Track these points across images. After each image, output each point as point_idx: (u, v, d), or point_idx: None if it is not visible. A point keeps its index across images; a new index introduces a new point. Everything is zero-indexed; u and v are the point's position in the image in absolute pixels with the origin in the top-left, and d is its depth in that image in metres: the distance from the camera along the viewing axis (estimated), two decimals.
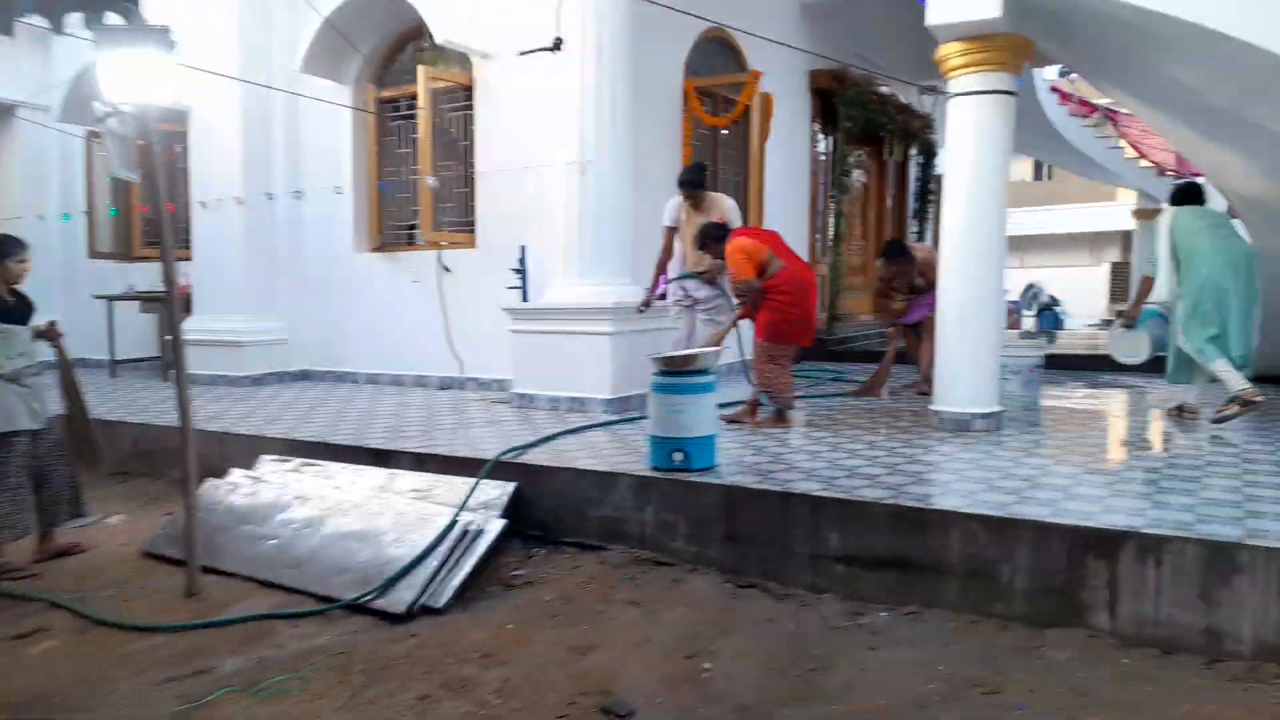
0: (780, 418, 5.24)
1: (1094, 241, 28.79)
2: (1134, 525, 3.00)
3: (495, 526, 4.14)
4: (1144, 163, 15.68)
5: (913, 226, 11.99)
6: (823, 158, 10.00)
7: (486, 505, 4.31)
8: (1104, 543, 2.98)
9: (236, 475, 5.01)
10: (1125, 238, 24.87)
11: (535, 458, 4.46)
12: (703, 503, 3.85)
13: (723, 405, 5.88)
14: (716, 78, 7.78)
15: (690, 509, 3.88)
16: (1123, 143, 15.50)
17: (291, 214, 8.11)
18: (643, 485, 4.00)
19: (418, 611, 3.77)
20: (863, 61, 8.73)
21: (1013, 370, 6.40)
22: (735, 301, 5.41)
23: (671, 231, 5.84)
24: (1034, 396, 6.32)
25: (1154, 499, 3.38)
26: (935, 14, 4.57)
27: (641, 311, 5.74)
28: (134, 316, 8.81)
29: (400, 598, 3.81)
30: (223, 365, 7.91)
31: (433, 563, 3.93)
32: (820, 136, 9.90)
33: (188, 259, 8.12)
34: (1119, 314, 6.23)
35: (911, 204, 11.93)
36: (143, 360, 8.94)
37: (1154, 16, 4.31)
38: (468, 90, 7.01)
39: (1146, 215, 16.80)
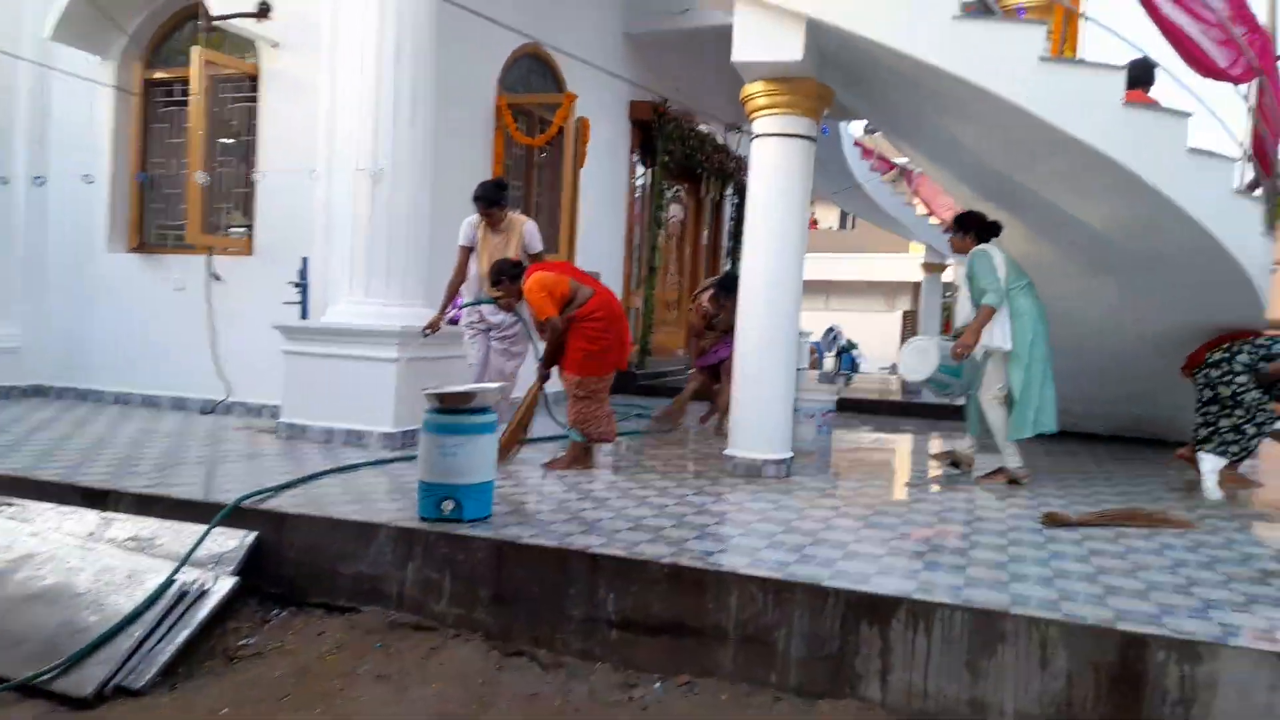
0: (581, 457, 4.94)
1: (889, 290, 31.02)
2: (905, 590, 2.90)
3: (224, 586, 3.54)
4: (933, 219, 16.91)
5: (725, 265, 12.21)
6: (640, 190, 9.94)
7: (218, 559, 3.69)
8: (876, 608, 2.86)
9: None
10: (916, 288, 26.85)
11: (285, 502, 3.90)
12: (471, 559, 3.45)
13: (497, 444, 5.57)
14: (532, 95, 7.49)
15: (457, 566, 3.47)
16: (915, 200, 16.64)
17: (34, 203, 6.99)
18: (405, 538, 3.55)
19: (111, 694, 3.12)
20: (681, 96, 8.74)
21: (807, 414, 6.47)
22: (536, 334, 5.11)
23: (467, 251, 5.41)
24: (825, 441, 6.40)
25: (927, 559, 3.33)
26: (740, 51, 4.51)
27: (426, 335, 5.26)
28: None
29: (88, 677, 3.14)
30: None
31: (136, 632, 3.28)
32: (639, 168, 9.84)
33: None
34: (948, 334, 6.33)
35: (726, 242, 12.16)
36: None
37: (933, 73, 4.45)
38: (253, 80, 6.31)
39: (934, 269, 18.12)
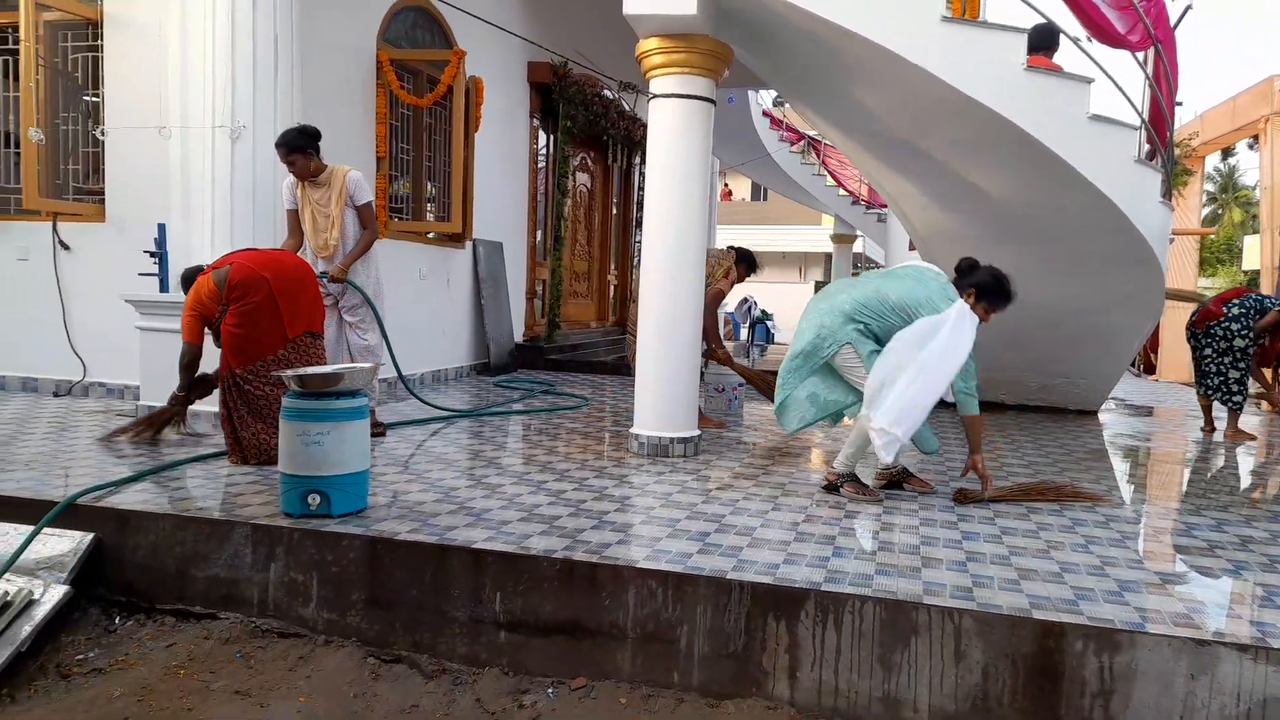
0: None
1: (802, 260, 31.43)
2: (814, 581, 2.71)
3: (54, 595, 3.09)
4: (841, 191, 17.03)
5: (637, 235, 11.94)
6: (543, 157, 9.53)
7: (50, 564, 3.23)
8: (783, 601, 2.66)
9: None
10: (828, 259, 27.27)
11: (131, 499, 3.44)
12: (341, 558, 3.09)
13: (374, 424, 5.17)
14: (417, 51, 6.99)
15: (325, 566, 3.11)
16: (824, 171, 16.71)
17: None
18: (266, 536, 3.16)
19: None
20: (580, 57, 8.35)
21: (717, 388, 6.29)
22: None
23: (293, 215, 4.82)
24: (736, 416, 6.23)
25: (836, 545, 3.15)
26: (632, 2, 4.19)
27: None
28: None
29: None
30: None
31: None
32: (541, 134, 9.42)
33: None
34: None
35: (636, 212, 11.87)
36: None
37: (835, 31, 4.25)
38: (96, 26, 5.63)
39: (844, 240, 18.30)
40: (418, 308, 7.09)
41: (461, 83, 6.84)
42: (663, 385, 4.62)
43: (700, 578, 2.74)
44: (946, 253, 5.36)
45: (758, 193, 31.15)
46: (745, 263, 5.74)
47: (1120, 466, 5.24)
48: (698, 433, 4.79)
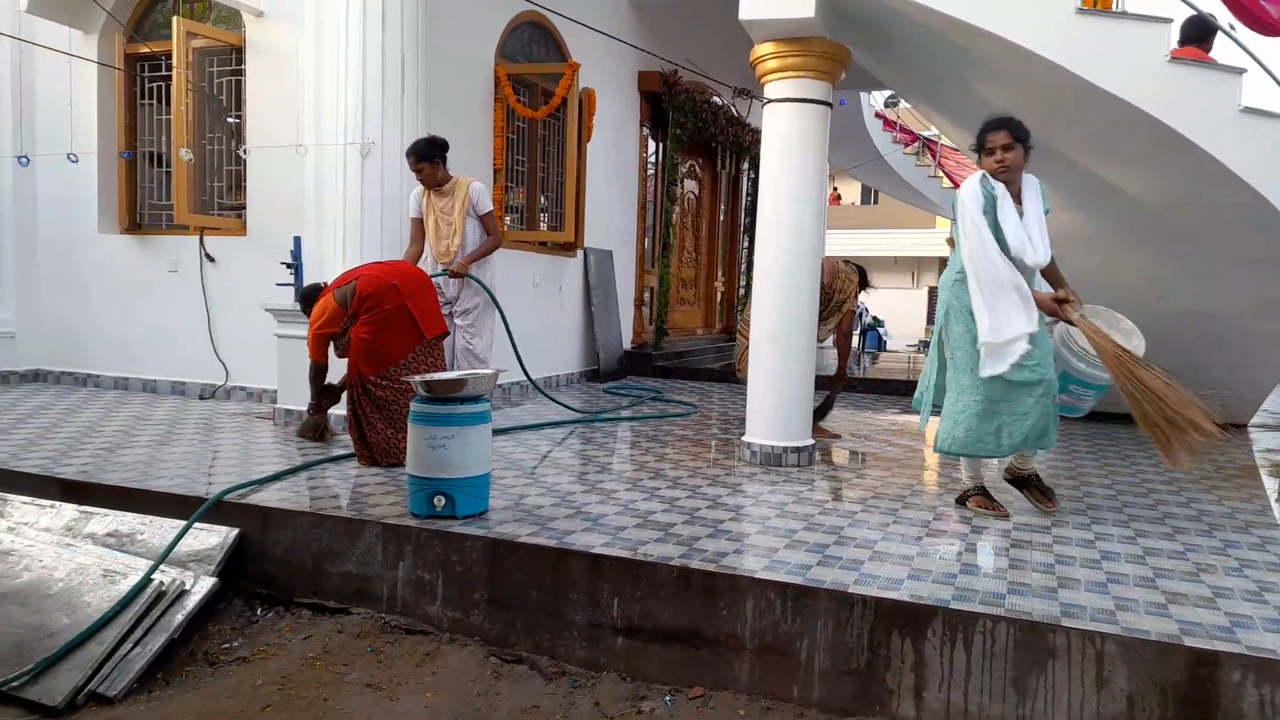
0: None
1: (915, 265, 30.48)
2: (941, 598, 2.61)
3: (204, 586, 3.31)
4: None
5: (744, 242, 11.86)
6: (652, 165, 9.60)
7: (199, 558, 3.46)
8: (909, 618, 2.57)
9: None
10: (942, 263, 26.36)
11: (271, 496, 3.65)
12: (465, 559, 3.19)
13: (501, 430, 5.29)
14: (533, 65, 7.16)
15: (450, 566, 3.21)
16: (939, 172, 16.17)
17: (22, 184, 6.76)
18: (395, 536, 3.29)
19: (83, 702, 2.92)
20: (692, 65, 8.37)
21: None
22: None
23: (417, 224, 5.06)
24: (851, 424, 6.10)
25: (964, 561, 3.03)
26: (748, 9, 4.17)
27: None
28: None
29: (58, 684, 2.93)
30: None
31: (110, 636, 3.06)
32: (651, 142, 9.49)
33: None
34: None
35: (744, 219, 11.80)
36: None
37: (961, 29, 4.11)
38: (239, 52, 6.02)
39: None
40: (531, 315, 7.25)
41: (575, 94, 6.97)
42: (776, 394, 4.56)
43: (821, 590, 2.69)
44: (1075, 255, 5.08)
45: (867, 196, 30.43)
46: (859, 277, 5.64)
47: (1272, 485, 4.85)
48: (812, 442, 4.71)
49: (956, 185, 16.35)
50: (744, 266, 11.89)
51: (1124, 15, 4.41)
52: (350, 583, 3.36)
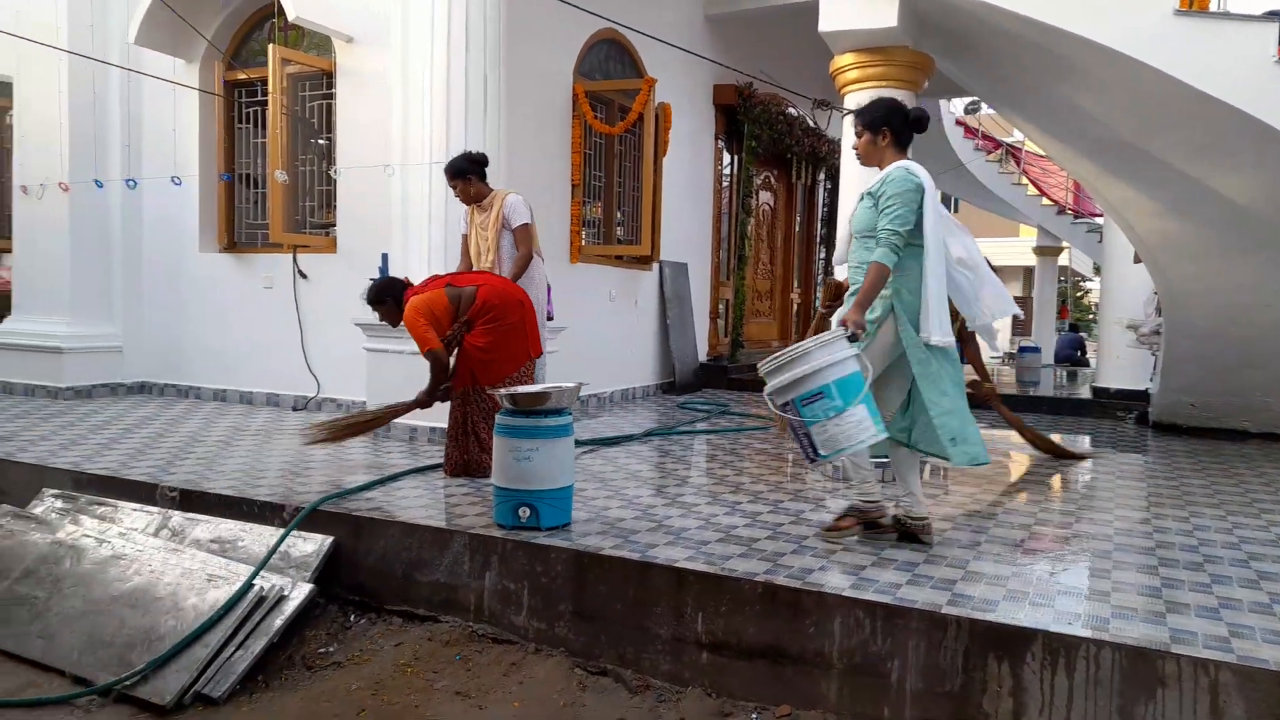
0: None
1: (1000, 276, 29.56)
2: (1040, 621, 2.52)
3: (301, 592, 3.42)
4: (1045, 201, 15.93)
5: (820, 253, 11.74)
6: (727, 177, 9.59)
7: (297, 564, 3.59)
8: (1006, 641, 2.49)
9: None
10: (1028, 273, 25.58)
11: (363, 505, 3.76)
12: (550, 570, 3.23)
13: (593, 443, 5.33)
14: (610, 82, 7.24)
15: (536, 577, 3.25)
16: (1024, 180, 15.71)
17: (130, 205, 7.16)
18: (482, 546, 3.36)
19: (190, 702, 3.06)
20: (766, 77, 8.34)
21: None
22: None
23: (466, 240, 5.01)
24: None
25: (1061, 584, 2.92)
26: (828, 19, 4.15)
27: None
28: None
29: (167, 685, 3.07)
30: (42, 374, 6.93)
31: (215, 638, 3.20)
32: (726, 155, 9.49)
33: (8, 250, 7.11)
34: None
35: (820, 229, 11.68)
36: None
37: (1052, 34, 4.00)
38: (329, 77, 6.27)
39: (1048, 252, 17.10)
40: (607, 329, 7.31)
41: (651, 110, 7.02)
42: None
43: (913, 611, 2.63)
44: (1177, 266, 4.88)
45: (948, 204, 29.74)
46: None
47: None
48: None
49: (1042, 193, 15.89)
50: (820, 278, 11.75)
51: (1224, 15, 4.23)
52: (439, 591, 3.43)
